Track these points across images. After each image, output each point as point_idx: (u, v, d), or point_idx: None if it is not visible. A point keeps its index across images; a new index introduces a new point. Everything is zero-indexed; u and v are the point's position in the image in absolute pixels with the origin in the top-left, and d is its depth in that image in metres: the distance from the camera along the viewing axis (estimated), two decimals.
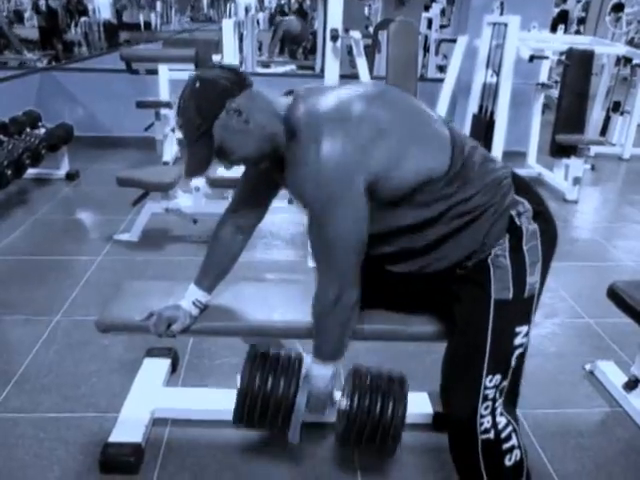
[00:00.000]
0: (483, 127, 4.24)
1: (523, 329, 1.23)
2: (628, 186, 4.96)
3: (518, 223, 1.19)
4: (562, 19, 9.04)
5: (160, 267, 2.84)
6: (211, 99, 1.14)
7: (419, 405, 1.79)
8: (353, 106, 1.13)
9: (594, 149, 5.28)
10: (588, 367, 2.15)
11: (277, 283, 2.48)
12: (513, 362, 1.24)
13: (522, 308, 1.23)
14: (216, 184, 2.92)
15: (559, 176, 4.34)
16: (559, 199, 4.17)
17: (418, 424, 1.75)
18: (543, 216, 1.23)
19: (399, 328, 1.45)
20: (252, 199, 1.41)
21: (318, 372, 1.28)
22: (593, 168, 4.96)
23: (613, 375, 2.05)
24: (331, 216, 1.09)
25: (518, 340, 1.23)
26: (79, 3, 12.71)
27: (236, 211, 1.42)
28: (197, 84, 1.14)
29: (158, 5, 15.94)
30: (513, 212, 1.19)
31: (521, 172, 4.08)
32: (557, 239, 1.28)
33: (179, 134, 4.61)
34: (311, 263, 2.84)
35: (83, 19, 11.24)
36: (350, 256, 1.15)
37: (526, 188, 1.25)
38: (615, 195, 4.70)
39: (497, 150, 4.09)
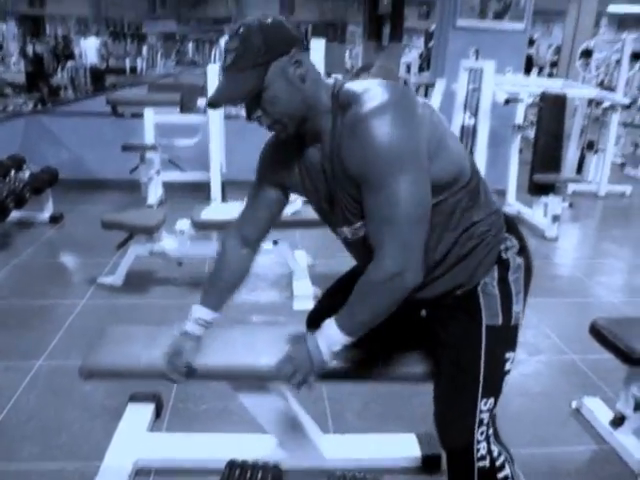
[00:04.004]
0: None
1: (511, 355, 1.27)
2: (605, 222, 5.08)
3: (505, 257, 1.23)
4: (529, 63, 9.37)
5: (144, 311, 2.82)
6: (281, 38, 1.10)
7: (407, 448, 1.78)
8: (406, 90, 1.15)
9: (571, 187, 5.42)
10: (574, 404, 2.16)
11: (262, 327, 2.47)
12: (503, 388, 1.28)
13: (510, 335, 1.27)
14: (201, 227, 2.94)
15: (538, 214, 4.43)
16: (539, 236, 4.24)
17: (407, 468, 1.73)
18: (525, 252, 1.28)
19: (385, 369, 1.45)
20: (259, 212, 1.38)
21: (330, 332, 1.17)
22: (571, 205, 5.07)
23: (600, 412, 2.06)
24: (399, 179, 1.04)
25: (507, 366, 1.27)
26: (66, 48, 12.92)
27: (242, 224, 1.40)
28: (268, 20, 1.10)
29: (144, 50, 16.27)
30: (502, 246, 1.24)
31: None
32: (532, 274, 1.32)
33: (164, 177, 4.66)
34: (296, 306, 2.84)
35: (70, 63, 11.42)
36: (416, 226, 1.08)
37: (512, 224, 1.30)
38: (593, 231, 4.81)
39: None
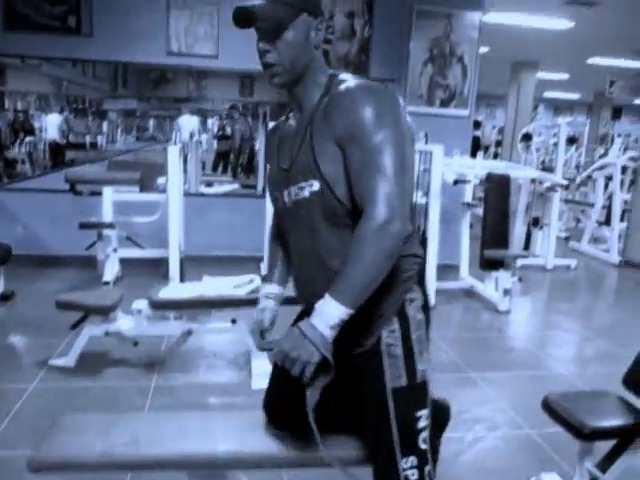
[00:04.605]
0: None
1: (424, 413, 1.30)
2: (554, 295, 5.30)
3: (407, 311, 1.29)
4: (476, 145, 9.99)
5: (98, 394, 2.72)
6: (316, 3, 1.28)
7: None
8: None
9: (520, 260, 5.66)
10: None
11: (221, 412, 2.41)
12: (422, 445, 1.29)
13: (418, 394, 1.30)
14: (159, 307, 2.91)
15: (490, 288, 4.59)
16: (492, 310, 4.38)
17: None
18: (427, 308, 1.35)
19: (317, 454, 1.39)
20: None
21: (326, 308, 1.13)
22: (520, 280, 5.27)
23: None
24: (385, 134, 1.15)
25: (421, 423, 1.29)
26: (25, 122, 12.93)
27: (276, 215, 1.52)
28: None
29: (105, 125, 16.42)
30: (408, 296, 1.30)
31: (455, 285, 4.28)
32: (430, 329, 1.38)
33: (122, 253, 4.63)
34: (255, 385, 2.81)
35: (28, 138, 11.39)
36: (401, 176, 1.16)
37: (422, 278, 1.36)
38: (543, 304, 4.99)
39: (431, 264, 4.32)
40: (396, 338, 1.27)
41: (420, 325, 1.30)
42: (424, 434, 1.30)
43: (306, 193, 1.23)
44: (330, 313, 1.12)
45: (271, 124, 3.97)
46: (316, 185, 1.21)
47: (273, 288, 1.51)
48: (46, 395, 2.69)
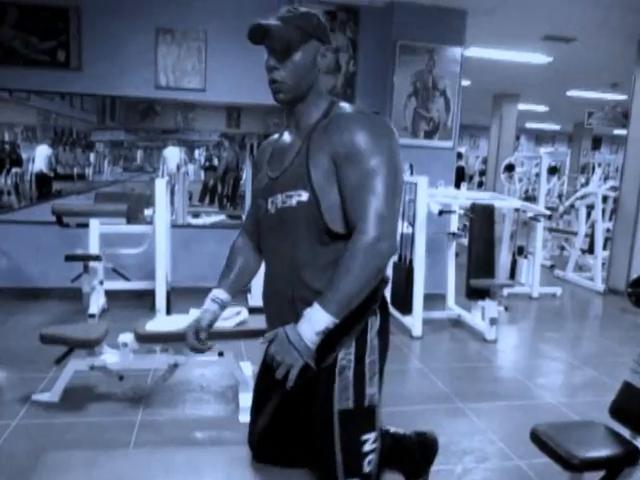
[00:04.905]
0: (404, 273, 4.54)
1: (370, 436, 1.32)
2: (540, 323, 5.32)
3: (366, 334, 1.32)
4: (461, 175, 10.15)
5: (83, 430, 2.67)
6: (326, 32, 1.37)
7: None
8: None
9: (506, 290, 5.70)
10: None
11: (207, 447, 2.38)
12: (366, 468, 1.31)
13: (365, 417, 1.33)
14: (145, 340, 2.88)
15: (477, 317, 4.61)
16: (479, 339, 4.39)
17: None
18: (384, 334, 1.37)
19: None
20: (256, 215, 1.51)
21: (314, 315, 1.19)
22: (507, 309, 5.31)
23: None
24: (379, 157, 1.23)
25: (367, 447, 1.31)
26: (12, 153, 12.87)
27: (247, 224, 1.58)
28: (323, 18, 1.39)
29: (92, 156, 16.43)
30: (370, 320, 1.33)
31: (442, 314, 4.31)
32: (387, 355, 1.41)
33: (107, 286, 4.60)
34: (242, 419, 2.78)
35: (15, 169, 11.34)
36: (392, 202, 1.24)
37: (384, 302, 1.39)
38: (530, 333, 5.01)
39: (418, 294, 4.35)
40: (349, 361, 1.31)
41: (374, 350, 1.34)
42: (370, 457, 1.32)
43: (293, 202, 1.28)
44: (317, 320, 1.19)
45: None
46: (304, 196, 1.26)
47: (221, 293, 1.52)
48: (29, 432, 2.63)
